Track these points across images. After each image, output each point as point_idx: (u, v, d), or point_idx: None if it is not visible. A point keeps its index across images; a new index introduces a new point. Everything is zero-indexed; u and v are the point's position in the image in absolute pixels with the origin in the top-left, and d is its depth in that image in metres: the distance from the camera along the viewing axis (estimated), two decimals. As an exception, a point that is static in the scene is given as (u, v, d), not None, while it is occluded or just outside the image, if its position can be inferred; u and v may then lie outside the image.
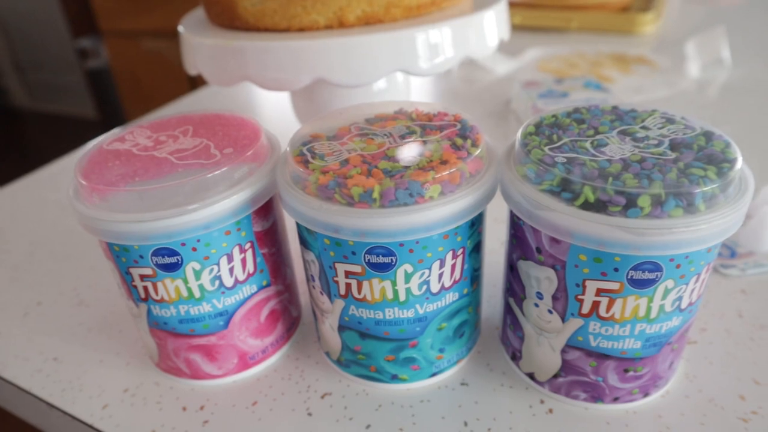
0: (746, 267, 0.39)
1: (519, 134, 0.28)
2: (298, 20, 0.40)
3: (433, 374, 0.31)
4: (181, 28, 0.46)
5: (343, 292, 0.28)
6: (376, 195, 0.25)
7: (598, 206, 0.24)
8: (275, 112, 0.73)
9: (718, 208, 0.24)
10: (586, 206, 0.24)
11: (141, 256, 0.28)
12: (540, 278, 0.27)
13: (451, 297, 0.29)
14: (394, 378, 0.31)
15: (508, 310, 0.31)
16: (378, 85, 0.48)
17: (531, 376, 0.31)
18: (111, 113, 2.68)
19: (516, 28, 0.96)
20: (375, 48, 0.38)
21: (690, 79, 0.72)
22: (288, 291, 0.35)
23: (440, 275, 0.27)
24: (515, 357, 0.32)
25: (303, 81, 0.39)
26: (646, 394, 0.30)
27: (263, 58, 0.39)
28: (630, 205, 0.23)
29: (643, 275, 0.25)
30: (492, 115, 0.65)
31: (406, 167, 0.26)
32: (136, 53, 2.24)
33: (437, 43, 0.40)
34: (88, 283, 0.43)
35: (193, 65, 0.44)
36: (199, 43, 0.42)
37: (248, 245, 0.30)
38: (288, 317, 0.35)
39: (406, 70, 0.39)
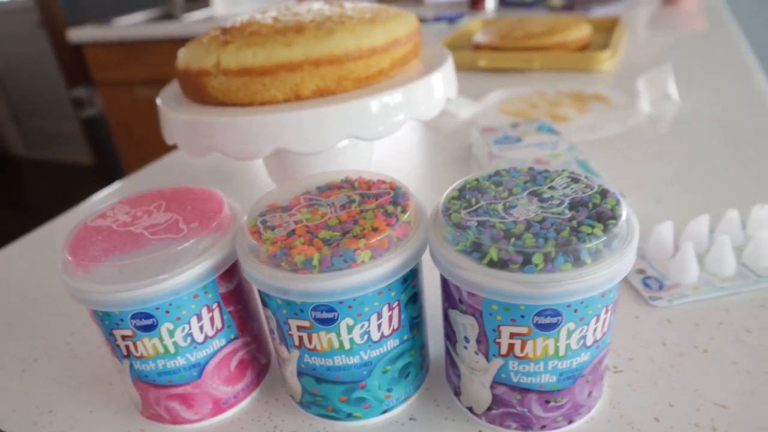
0: (672, 298, 0.43)
1: (443, 198, 0.33)
2: (259, 96, 0.45)
3: (384, 411, 0.35)
4: (159, 101, 0.51)
5: (297, 343, 0.33)
6: (315, 262, 0.29)
7: (502, 264, 0.28)
8: (255, 164, 0.78)
9: (603, 260, 0.28)
10: (492, 264, 0.28)
11: (121, 320, 0.33)
12: (465, 325, 0.31)
13: (392, 344, 0.33)
14: (349, 416, 0.35)
15: (447, 351, 0.36)
16: (341, 142, 0.52)
17: (470, 409, 0.35)
18: (107, 159, 2.74)
19: (481, 71, 1.02)
20: (328, 118, 0.43)
21: (642, 114, 0.77)
22: (256, 341, 0.39)
23: (379, 325, 0.32)
24: (457, 393, 0.36)
25: (265, 151, 0.44)
26: (570, 421, 0.34)
27: (228, 132, 0.44)
28: (527, 262, 0.28)
29: (546, 320, 0.29)
30: (455, 161, 0.70)
31: (343, 235, 0.30)
32: (129, 101, 2.31)
33: (386, 110, 0.45)
34: (80, 339, 0.47)
35: (170, 136, 0.49)
36: (173, 118, 0.47)
37: (215, 305, 0.34)
38: (257, 365, 0.39)
39: (358, 136, 0.44)
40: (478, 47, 1.09)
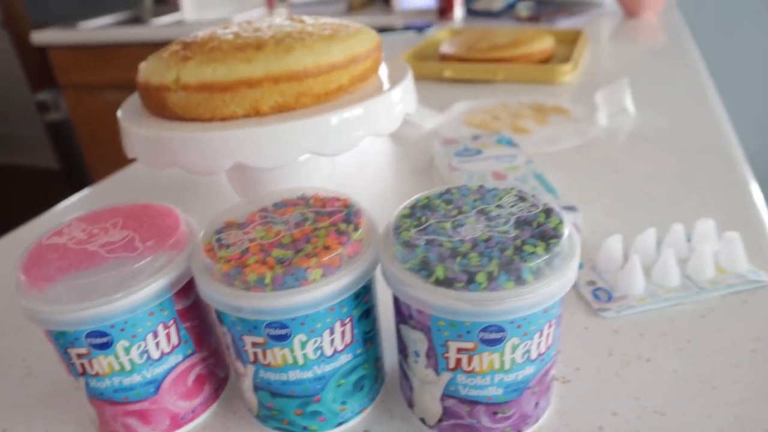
0: (620, 309, 0.45)
1: (394, 216, 0.34)
2: (219, 111, 0.45)
3: (339, 424, 0.36)
4: (119, 114, 0.51)
5: (252, 359, 0.33)
6: (268, 281, 0.30)
7: (448, 282, 0.29)
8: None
9: (544, 278, 0.29)
10: (438, 282, 0.29)
11: (76, 339, 0.33)
12: (415, 340, 0.33)
13: (345, 358, 0.34)
14: (305, 429, 0.36)
15: (400, 365, 0.37)
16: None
17: (423, 421, 0.36)
18: (72, 164, 2.70)
19: (447, 81, 1.04)
20: (286, 134, 0.44)
21: (599, 127, 0.79)
22: (213, 356, 0.39)
23: (332, 341, 0.33)
24: (410, 404, 0.37)
25: (224, 166, 0.44)
26: (518, 431, 0.35)
27: (187, 147, 0.44)
28: (471, 281, 0.29)
29: (491, 335, 0.30)
30: (417, 172, 0.71)
31: (296, 254, 0.31)
32: (95, 106, 2.28)
33: (345, 125, 0.46)
34: (37, 354, 0.47)
35: (130, 150, 0.49)
36: (134, 132, 0.47)
37: (171, 321, 0.35)
38: (215, 379, 0.40)
39: (317, 152, 0.45)
40: (444, 57, 1.10)
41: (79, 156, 2.53)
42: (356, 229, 0.33)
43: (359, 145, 0.47)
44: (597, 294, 0.46)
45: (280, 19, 0.53)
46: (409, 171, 0.72)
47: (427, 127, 0.83)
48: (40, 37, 2.18)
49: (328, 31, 0.48)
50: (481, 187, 0.37)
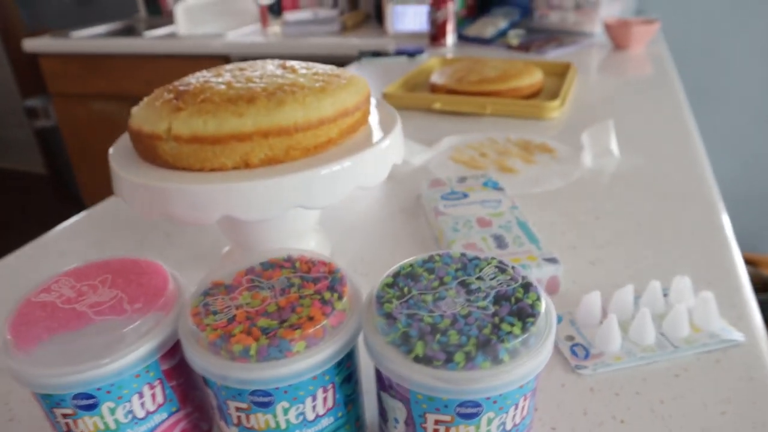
0: (597, 367, 0.46)
1: (378, 285, 0.35)
2: (209, 162, 0.46)
3: (320, 484, 0.37)
4: (111, 155, 0.52)
5: (236, 421, 0.34)
6: (252, 352, 0.31)
7: (426, 360, 0.30)
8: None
9: (520, 358, 0.30)
10: (418, 360, 0.30)
11: (62, 400, 0.33)
12: (395, 408, 0.33)
13: (326, 421, 0.35)
14: (285, 488, 0.37)
15: (380, 428, 0.37)
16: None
17: (401, 481, 0.37)
18: (60, 170, 2.69)
19: (436, 113, 1.05)
20: (275, 188, 0.45)
21: (584, 168, 0.81)
22: (198, 411, 0.40)
23: (314, 407, 0.33)
24: (389, 464, 0.38)
25: (213, 218, 0.45)
26: (494, 495, 0.36)
27: (177, 198, 0.45)
28: (449, 360, 0.30)
29: (468, 410, 0.31)
30: (403, 211, 0.72)
31: (281, 324, 0.32)
32: (85, 114, 2.27)
33: (333, 178, 0.47)
34: (20, 398, 0.47)
35: (120, 194, 0.50)
36: (125, 178, 0.48)
37: (157, 382, 0.36)
38: (198, 433, 0.40)
39: (304, 206, 0.46)
40: (434, 88, 1.12)
41: (66, 162, 2.52)
42: (340, 298, 0.34)
43: (344, 197, 0.48)
44: (575, 350, 0.48)
45: (272, 66, 0.54)
46: (398, 209, 0.73)
47: (415, 163, 0.85)
48: (32, 44, 2.17)
49: (319, 84, 0.49)
50: (462, 255, 0.38)
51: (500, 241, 0.57)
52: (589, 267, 0.59)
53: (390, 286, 0.35)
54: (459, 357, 0.30)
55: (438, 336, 0.31)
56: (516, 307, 0.33)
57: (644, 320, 0.47)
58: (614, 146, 0.83)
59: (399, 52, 1.51)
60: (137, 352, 0.33)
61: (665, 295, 0.52)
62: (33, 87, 2.47)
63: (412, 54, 1.51)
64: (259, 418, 0.33)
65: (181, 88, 0.50)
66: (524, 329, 0.31)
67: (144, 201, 0.47)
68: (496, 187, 0.68)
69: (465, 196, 0.66)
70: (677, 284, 0.51)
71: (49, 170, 2.88)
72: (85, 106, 2.25)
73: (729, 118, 2.03)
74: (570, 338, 0.49)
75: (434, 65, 1.34)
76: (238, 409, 0.33)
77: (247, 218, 0.45)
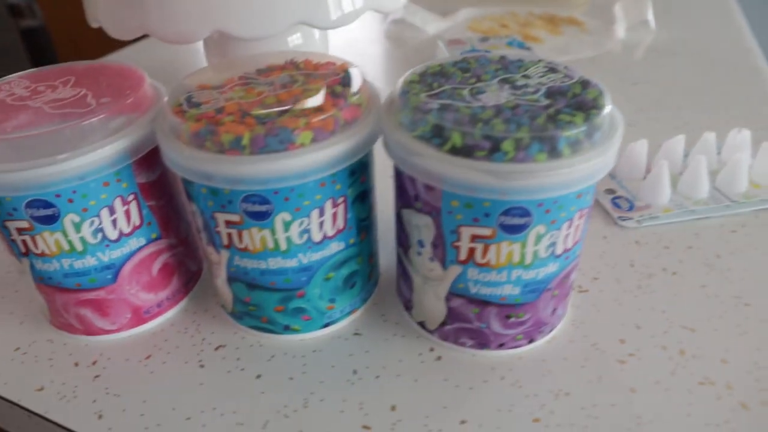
0: (642, 219, 0.40)
1: (401, 82, 0.28)
2: (196, -32, 0.38)
3: (326, 324, 0.32)
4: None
5: (226, 242, 0.28)
6: (245, 142, 0.24)
7: (466, 151, 0.24)
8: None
9: (583, 153, 0.24)
10: (454, 151, 0.24)
11: (15, 209, 0.27)
12: (420, 226, 0.28)
13: (336, 246, 0.29)
14: (287, 329, 0.31)
15: (399, 260, 0.32)
16: (293, 40, 0.47)
17: (422, 324, 0.32)
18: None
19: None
20: (275, -2, 0.37)
21: (616, 40, 0.73)
22: (183, 245, 0.34)
23: (321, 224, 0.27)
24: (408, 307, 0.32)
25: (202, 34, 0.38)
26: (531, 340, 0.31)
27: (162, 9, 0.37)
28: (495, 149, 0.23)
29: (513, 220, 0.25)
30: (418, 74, 0.64)
31: (281, 114, 0.26)
32: (74, 12, 2.14)
33: (343, -5, 0.39)
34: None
35: (94, 18, 0.43)
36: (96, -8, 0.41)
37: (131, 197, 0.29)
38: (185, 271, 0.35)
39: (309, 23, 0.39)
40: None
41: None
42: (355, 93, 0.27)
43: (358, 28, 0.41)
44: (617, 202, 0.42)
45: None
46: (409, 74, 0.65)
47: (429, 31, 0.76)
48: (13, -67, 2.02)
49: None
50: (503, 57, 0.31)
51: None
52: (629, 128, 0.52)
53: (416, 82, 0.28)
54: (508, 145, 0.23)
55: (480, 125, 0.24)
56: (575, 101, 0.26)
57: (698, 170, 0.41)
58: (651, 17, 0.74)
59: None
60: (103, 150, 0.27)
61: (718, 153, 0.46)
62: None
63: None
64: (254, 235, 0.27)
65: None
66: (587, 120, 0.24)
67: (124, 18, 0.40)
68: (523, 47, 0.60)
69: (487, 53, 0.59)
70: (733, 138, 0.45)
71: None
72: (73, 2, 2.12)
73: None
74: (610, 191, 0.43)
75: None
76: (228, 223, 0.27)
77: (240, 35, 0.38)
